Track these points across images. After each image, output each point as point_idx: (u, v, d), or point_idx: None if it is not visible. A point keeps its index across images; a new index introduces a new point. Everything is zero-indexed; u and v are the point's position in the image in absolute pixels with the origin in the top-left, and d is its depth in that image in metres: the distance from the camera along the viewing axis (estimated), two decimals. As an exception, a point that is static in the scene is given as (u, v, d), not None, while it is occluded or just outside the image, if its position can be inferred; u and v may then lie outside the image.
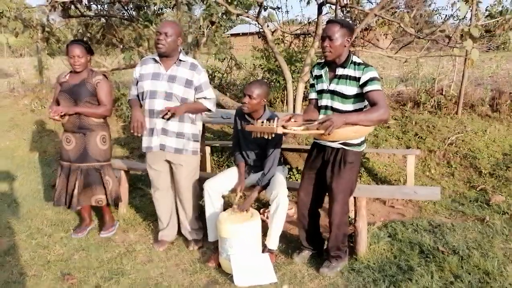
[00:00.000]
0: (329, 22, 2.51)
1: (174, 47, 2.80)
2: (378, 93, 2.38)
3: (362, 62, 2.49)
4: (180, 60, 2.85)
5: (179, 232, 3.27)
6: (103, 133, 3.18)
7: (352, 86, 2.48)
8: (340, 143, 2.58)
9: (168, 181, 3.10)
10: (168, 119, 2.82)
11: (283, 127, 2.41)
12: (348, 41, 2.47)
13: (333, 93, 2.55)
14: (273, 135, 2.49)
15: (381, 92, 2.39)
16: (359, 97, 2.48)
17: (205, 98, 2.91)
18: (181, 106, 2.82)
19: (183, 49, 2.98)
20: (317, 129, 2.34)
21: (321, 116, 2.56)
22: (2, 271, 2.84)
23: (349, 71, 2.48)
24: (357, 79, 2.45)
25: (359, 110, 2.51)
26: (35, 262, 2.95)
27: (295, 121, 2.48)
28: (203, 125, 3.48)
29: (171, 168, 3.04)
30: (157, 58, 2.85)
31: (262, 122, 2.45)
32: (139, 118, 2.83)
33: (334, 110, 2.56)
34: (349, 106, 2.52)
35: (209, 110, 2.97)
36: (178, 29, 2.82)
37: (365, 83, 2.41)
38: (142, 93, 2.89)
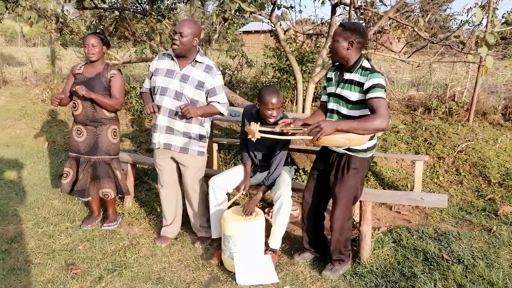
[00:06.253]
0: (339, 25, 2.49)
1: (190, 47, 2.72)
2: (379, 101, 2.28)
3: (370, 67, 2.41)
4: (196, 61, 2.80)
5: (183, 228, 3.28)
6: (114, 127, 3.20)
7: (355, 92, 2.42)
8: (345, 149, 2.55)
9: (173, 178, 3.09)
10: (181, 118, 2.77)
11: (282, 130, 2.51)
12: (352, 44, 2.40)
13: (339, 97, 2.52)
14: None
15: (382, 100, 2.29)
16: (364, 103, 2.40)
17: (218, 102, 2.84)
18: (198, 108, 2.76)
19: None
20: (308, 134, 2.28)
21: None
22: (8, 257, 2.88)
23: (355, 76, 2.43)
24: (361, 85, 2.38)
25: (365, 116, 2.43)
26: (41, 251, 2.98)
27: (293, 126, 2.49)
28: (212, 122, 3.45)
29: (178, 166, 3.04)
30: (174, 56, 2.82)
31: (255, 123, 2.42)
32: (151, 102, 2.82)
33: (339, 114, 2.53)
34: (354, 111, 2.46)
35: (221, 114, 2.91)
36: (195, 28, 2.71)
37: (368, 89, 2.34)
38: (154, 87, 2.88)
